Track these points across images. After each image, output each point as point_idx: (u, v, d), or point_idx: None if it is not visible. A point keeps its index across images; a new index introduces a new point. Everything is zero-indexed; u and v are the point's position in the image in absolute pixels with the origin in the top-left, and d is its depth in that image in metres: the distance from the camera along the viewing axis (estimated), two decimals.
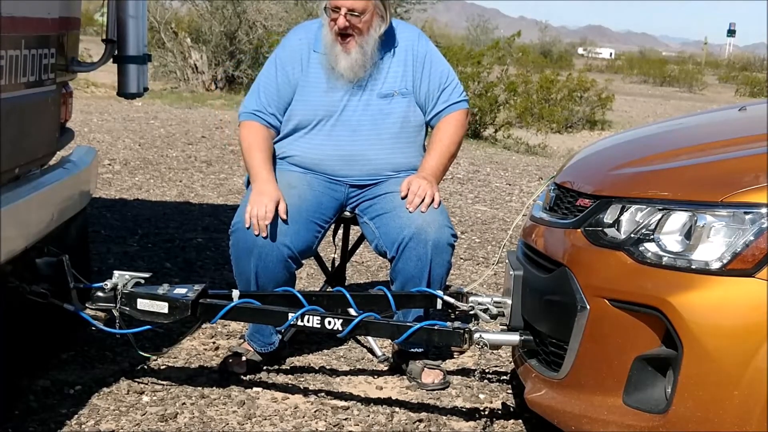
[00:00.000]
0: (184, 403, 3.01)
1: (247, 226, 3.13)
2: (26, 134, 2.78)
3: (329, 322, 2.89)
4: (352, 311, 3.07)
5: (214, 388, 3.15)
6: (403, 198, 3.23)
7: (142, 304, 2.91)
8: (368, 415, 3.03)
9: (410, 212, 3.20)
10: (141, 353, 3.14)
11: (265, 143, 3.34)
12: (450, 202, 6.91)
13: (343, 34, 3.24)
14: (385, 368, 3.47)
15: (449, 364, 3.53)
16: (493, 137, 12.32)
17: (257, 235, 3.11)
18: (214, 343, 3.59)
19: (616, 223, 2.45)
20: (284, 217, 3.15)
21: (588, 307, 2.42)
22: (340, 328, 2.88)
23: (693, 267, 2.27)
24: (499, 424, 3.05)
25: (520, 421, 3.07)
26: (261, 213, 3.12)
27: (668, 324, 2.25)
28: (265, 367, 3.36)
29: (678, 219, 2.34)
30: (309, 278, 4.60)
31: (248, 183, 3.38)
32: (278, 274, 3.14)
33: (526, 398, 2.72)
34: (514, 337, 2.83)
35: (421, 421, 3.01)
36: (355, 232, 3.63)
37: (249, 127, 3.37)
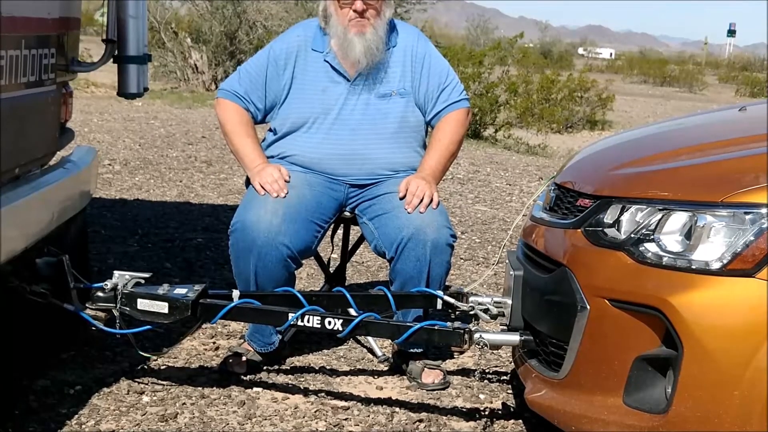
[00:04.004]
0: (184, 403, 3.01)
1: (262, 193, 3.18)
2: (26, 134, 2.78)
3: (329, 322, 2.89)
4: (352, 311, 3.07)
5: (214, 388, 3.15)
6: (402, 198, 3.24)
7: (143, 304, 2.91)
8: (368, 415, 3.03)
9: (409, 213, 3.20)
10: (141, 353, 3.13)
11: (251, 128, 3.38)
12: (450, 202, 6.91)
13: (359, 18, 3.25)
14: (385, 368, 3.47)
15: (449, 364, 3.53)
16: (494, 137, 12.32)
17: (276, 197, 3.17)
18: (214, 343, 3.59)
19: (617, 223, 2.45)
20: (287, 179, 3.21)
21: (588, 307, 2.42)
22: (340, 328, 2.88)
23: (693, 267, 2.27)
24: (499, 424, 3.05)
25: (520, 421, 3.07)
26: (272, 178, 3.20)
27: (668, 324, 2.25)
28: (265, 367, 3.36)
29: (678, 219, 2.34)
30: (309, 278, 4.60)
31: (248, 183, 3.38)
32: (278, 274, 3.14)
33: (526, 398, 2.72)
34: (514, 337, 2.83)
35: (421, 421, 3.01)
36: (355, 232, 3.63)
37: (230, 108, 3.38)
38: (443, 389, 3.29)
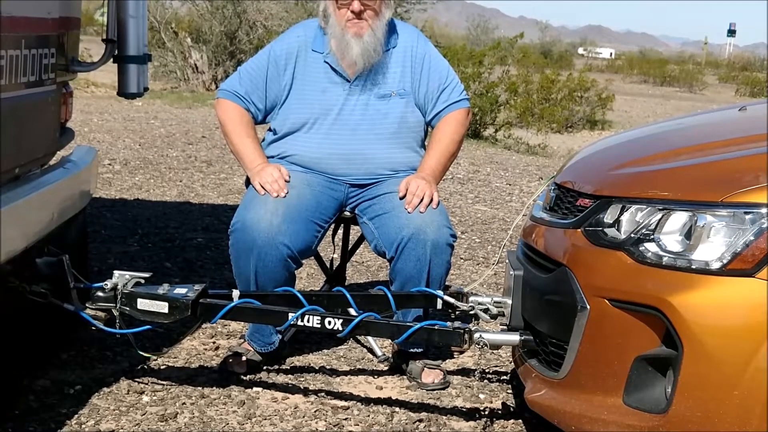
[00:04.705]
0: (184, 403, 3.01)
1: (262, 193, 3.18)
2: (26, 134, 2.78)
3: (329, 322, 2.89)
4: (352, 311, 3.07)
5: (214, 388, 3.15)
6: (402, 198, 3.24)
7: (143, 303, 2.91)
8: (368, 415, 3.03)
9: (409, 213, 3.20)
10: (141, 353, 3.13)
11: (251, 128, 3.38)
12: (450, 202, 6.91)
13: (356, 19, 3.24)
14: (385, 368, 3.47)
15: (449, 364, 3.53)
16: (494, 137, 12.32)
17: (276, 197, 3.17)
18: (214, 343, 3.59)
19: (617, 223, 2.45)
20: (287, 178, 3.20)
21: (588, 307, 2.42)
22: (340, 328, 2.88)
23: (693, 267, 2.26)
24: (499, 424, 3.05)
25: (520, 421, 3.07)
26: (272, 178, 3.20)
27: (668, 324, 2.25)
28: (265, 367, 3.36)
29: (678, 219, 2.34)
30: (309, 278, 4.60)
31: (248, 182, 3.38)
32: (278, 273, 3.14)
33: (526, 398, 2.72)
34: (514, 337, 2.83)
35: (421, 421, 3.01)
36: (355, 232, 3.63)
37: (231, 108, 3.38)
38: (443, 389, 3.29)
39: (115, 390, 3.07)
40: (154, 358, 3.31)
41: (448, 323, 2.90)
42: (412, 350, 3.37)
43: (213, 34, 16.21)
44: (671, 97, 30.36)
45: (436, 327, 2.87)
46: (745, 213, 2.24)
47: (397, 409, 3.10)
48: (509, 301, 2.85)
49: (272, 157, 3.38)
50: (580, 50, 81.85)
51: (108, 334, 3.18)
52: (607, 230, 2.46)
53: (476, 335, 2.83)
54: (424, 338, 2.95)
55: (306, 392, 3.19)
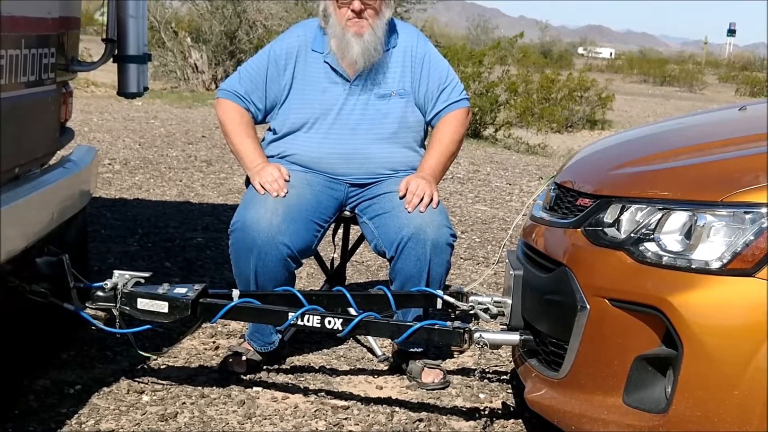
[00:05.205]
0: (184, 403, 3.01)
1: (262, 193, 3.18)
2: (26, 134, 2.78)
3: (329, 322, 2.89)
4: (352, 311, 3.07)
5: (214, 387, 3.15)
6: (402, 198, 3.24)
7: (142, 303, 2.91)
8: (368, 415, 3.03)
9: (409, 212, 3.20)
10: (141, 353, 3.14)
11: (251, 128, 3.38)
12: (450, 202, 6.91)
13: (357, 18, 3.24)
14: (385, 368, 3.47)
15: (449, 364, 3.53)
16: (494, 137, 12.32)
17: (276, 196, 3.17)
18: (214, 342, 3.59)
19: (616, 223, 2.45)
20: (287, 178, 3.20)
21: (588, 306, 2.42)
22: (340, 328, 2.88)
23: (693, 267, 2.26)
24: (499, 424, 3.05)
25: (520, 421, 3.07)
26: (271, 177, 3.21)
27: (668, 324, 2.25)
28: (265, 367, 3.36)
29: (678, 219, 2.34)
30: (309, 278, 4.60)
31: (248, 182, 3.38)
32: (278, 273, 3.14)
33: (526, 398, 2.72)
34: (514, 337, 2.83)
35: (421, 420, 3.01)
36: (355, 231, 3.63)
37: (231, 108, 3.37)
38: (443, 389, 3.29)
39: (115, 390, 3.07)
40: (154, 358, 3.31)
41: (448, 323, 2.90)
42: (412, 350, 3.37)
43: (213, 34, 16.22)
44: (671, 97, 30.36)
45: (436, 327, 2.87)
46: (745, 213, 2.25)
47: (397, 408, 3.10)
48: (509, 301, 2.85)
49: (272, 156, 3.38)
50: (580, 50, 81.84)
51: (108, 334, 3.18)
52: (607, 230, 2.46)
53: (476, 335, 2.83)
54: (424, 338, 2.95)
55: (306, 392, 3.19)
